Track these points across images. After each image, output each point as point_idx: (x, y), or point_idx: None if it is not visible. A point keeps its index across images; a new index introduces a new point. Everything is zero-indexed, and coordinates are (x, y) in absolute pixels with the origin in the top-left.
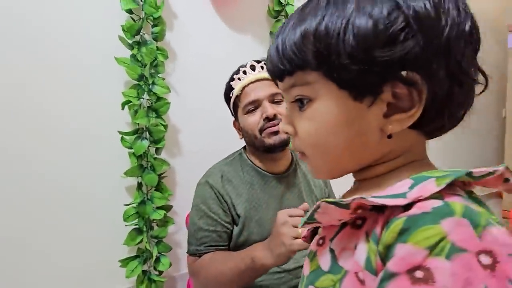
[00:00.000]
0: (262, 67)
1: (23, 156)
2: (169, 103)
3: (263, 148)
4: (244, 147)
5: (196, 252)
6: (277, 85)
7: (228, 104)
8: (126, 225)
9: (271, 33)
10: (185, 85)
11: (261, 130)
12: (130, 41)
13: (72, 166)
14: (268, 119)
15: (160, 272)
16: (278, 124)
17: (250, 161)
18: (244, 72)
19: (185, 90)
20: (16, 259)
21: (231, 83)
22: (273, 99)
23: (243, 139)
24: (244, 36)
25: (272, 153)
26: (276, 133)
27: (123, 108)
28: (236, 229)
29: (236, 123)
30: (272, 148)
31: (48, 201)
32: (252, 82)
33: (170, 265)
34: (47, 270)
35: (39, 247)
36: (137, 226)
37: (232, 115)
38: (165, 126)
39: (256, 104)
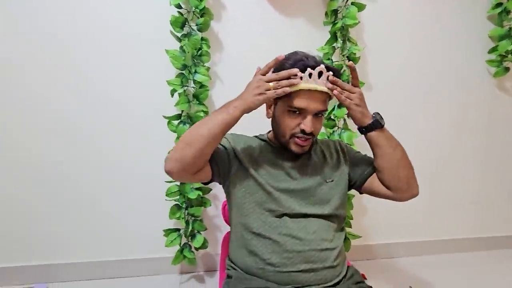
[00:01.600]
0: (320, 74)
1: (91, 137)
2: (208, 90)
3: (285, 147)
4: (269, 131)
5: None
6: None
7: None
8: (166, 200)
9: (326, 14)
10: (230, 74)
11: (292, 135)
12: (179, 34)
13: (130, 147)
14: (304, 132)
15: (196, 249)
16: (309, 139)
17: (269, 139)
18: (310, 76)
19: (230, 79)
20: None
21: (293, 78)
22: (316, 114)
23: (270, 119)
24: (297, 20)
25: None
26: (302, 146)
27: (172, 96)
28: (246, 174)
29: (271, 104)
30: (292, 153)
31: (109, 175)
32: (310, 90)
33: (205, 243)
34: (108, 230)
35: (104, 208)
36: (177, 203)
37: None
38: (206, 112)
39: (301, 111)
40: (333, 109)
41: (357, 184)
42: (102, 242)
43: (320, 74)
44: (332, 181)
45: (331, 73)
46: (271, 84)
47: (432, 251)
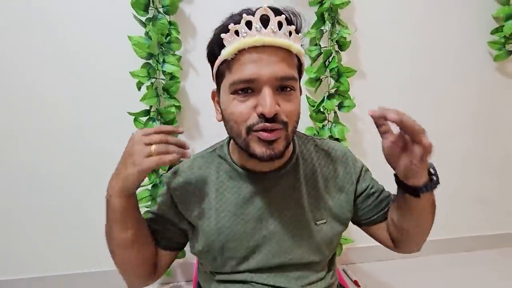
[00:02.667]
0: (279, 25)
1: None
2: (179, 82)
3: (246, 152)
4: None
5: None
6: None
7: (211, 64)
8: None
9: None
10: (206, 63)
11: (249, 129)
12: (143, 18)
13: (97, 147)
14: (264, 117)
15: None
16: (277, 130)
17: (230, 155)
18: (249, 25)
19: (206, 68)
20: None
21: (223, 35)
22: (281, 85)
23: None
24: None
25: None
26: (270, 143)
27: (139, 89)
28: (199, 240)
29: (216, 96)
30: (257, 158)
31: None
32: (255, 47)
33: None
34: (78, 242)
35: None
36: (149, 209)
37: (213, 80)
38: (178, 107)
39: (252, 86)
40: (323, 100)
41: (358, 223)
42: (75, 254)
43: (265, 21)
44: (325, 222)
45: (283, 17)
46: (153, 147)
47: (427, 252)
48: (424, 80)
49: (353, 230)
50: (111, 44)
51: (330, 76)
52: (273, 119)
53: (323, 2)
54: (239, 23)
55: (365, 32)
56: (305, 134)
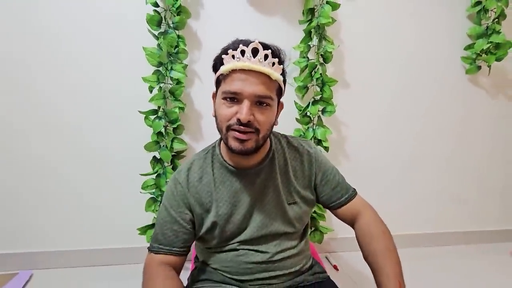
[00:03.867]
0: (266, 57)
1: (74, 132)
2: (183, 86)
3: (226, 145)
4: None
5: (150, 248)
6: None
7: (215, 73)
8: (142, 193)
9: (303, 12)
10: (209, 71)
11: (228, 127)
12: (156, 32)
13: (110, 141)
14: (240, 122)
15: None
16: (249, 133)
17: (221, 155)
18: (242, 53)
19: (209, 76)
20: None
21: (223, 56)
22: (259, 101)
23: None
24: (275, 18)
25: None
26: (241, 141)
27: (151, 92)
28: (204, 226)
29: (214, 97)
30: (231, 151)
31: (91, 168)
32: (244, 70)
33: None
34: (91, 221)
35: (87, 200)
36: (153, 196)
37: (214, 85)
38: (182, 108)
39: (237, 97)
40: (308, 105)
41: (326, 207)
42: (85, 231)
43: (255, 51)
44: (295, 202)
45: (269, 51)
46: None
47: (406, 244)
48: (403, 90)
49: (334, 221)
50: (128, 53)
51: (316, 85)
52: (247, 124)
53: (311, 20)
54: (236, 50)
55: (349, 46)
56: (279, 133)
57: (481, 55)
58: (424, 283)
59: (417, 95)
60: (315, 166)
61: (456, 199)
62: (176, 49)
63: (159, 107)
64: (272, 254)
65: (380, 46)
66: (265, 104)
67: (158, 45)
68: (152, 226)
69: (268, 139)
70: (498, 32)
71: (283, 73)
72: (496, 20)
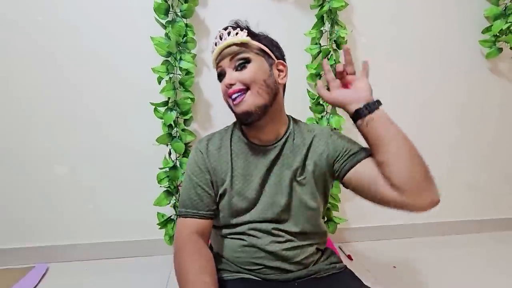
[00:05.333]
0: (228, 34)
1: (86, 125)
2: (193, 76)
3: (237, 119)
4: None
5: (179, 213)
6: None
7: None
8: (160, 187)
9: None
10: None
11: (227, 96)
12: (163, 21)
13: (120, 134)
14: (230, 86)
15: None
16: (241, 93)
17: (238, 130)
18: (216, 44)
19: None
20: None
21: (214, 46)
22: (237, 64)
23: None
24: (285, 4)
25: (245, 125)
26: (239, 104)
27: (159, 83)
28: (218, 192)
29: None
30: (239, 118)
31: (104, 162)
32: (219, 54)
33: None
34: (106, 214)
35: (103, 193)
36: (168, 188)
37: None
38: (193, 99)
39: (223, 72)
40: None
41: (341, 179)
42: (101, 224)
43: (221, 36)
44: (304, 178)
45: (238, 30)
46: None
47: (417, 234)
48: (418, 76)
49: (347, 211)
50: (136, 44)
51: None
52: (235, 86)
53: (323, 5)
54: (216, 38)
55: (362, 32)
56: (300, 121)
57: (500, 36)
58: (437, 273)
59: (433, 81)
60: (330, 144)
61: (473, 187)
62: (185, 38)
63: (169, 98)
64: (285, 240)
65: (394, 31)
66: (242, 64)
67: (166, 34)
68: (170, 220)
69: (286, 119)
70: None
71: (257, 35)
72: None
